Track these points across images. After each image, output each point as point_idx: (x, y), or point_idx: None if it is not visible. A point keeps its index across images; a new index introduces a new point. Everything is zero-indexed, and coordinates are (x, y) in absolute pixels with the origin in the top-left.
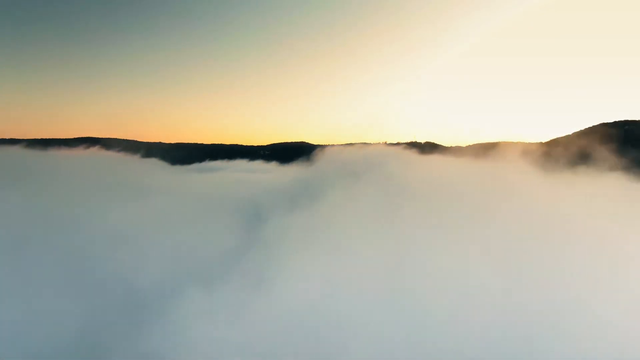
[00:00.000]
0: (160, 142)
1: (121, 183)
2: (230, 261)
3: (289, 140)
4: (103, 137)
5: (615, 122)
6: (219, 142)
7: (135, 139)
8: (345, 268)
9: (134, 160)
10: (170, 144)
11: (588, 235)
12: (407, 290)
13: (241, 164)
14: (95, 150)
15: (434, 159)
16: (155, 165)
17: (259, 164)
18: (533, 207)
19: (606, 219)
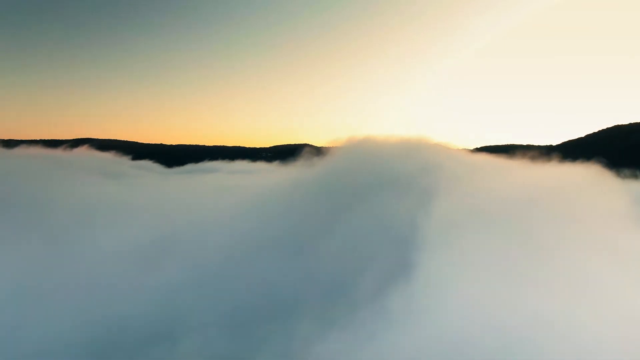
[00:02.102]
0: (161, 144)
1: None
2: None
3: (292, 142)
4: (99, 138)
5: (631, 124)
6: (221, 144)
7: (136, 141)
8: None
9: (119, 162)
10: (171, 146)
11: None
12: None
13: (241, 165)
14: (82, 151)
15: (489, 159)
16: (136, 167)
17: (259, 165)
18: None
19: None
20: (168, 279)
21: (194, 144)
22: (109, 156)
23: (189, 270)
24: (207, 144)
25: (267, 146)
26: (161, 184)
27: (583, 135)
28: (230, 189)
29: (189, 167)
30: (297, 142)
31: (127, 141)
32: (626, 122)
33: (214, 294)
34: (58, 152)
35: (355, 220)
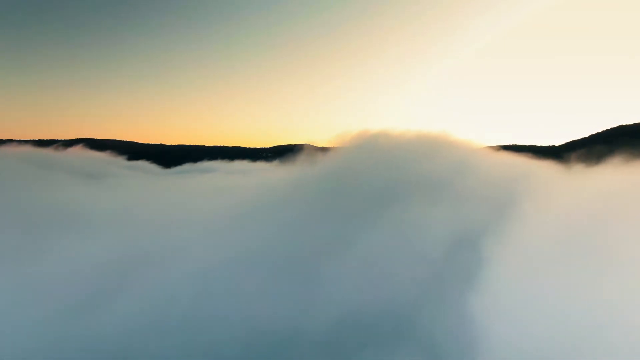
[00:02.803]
0: (160, 144)
1: None
2: None
3: (292, 143)
4: (97, 138)
5: (636, 124)
6: (221, 145)
7: (134, 141)
8: None
9: (112, 162)
10: (170, 146)
11: None
12: None
13: (240, 165)
14: (75, 150)
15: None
16: (131, 168)
17: (258, 165)
18: None
19: None
20: (129, 311)
21: (194, 144)
22: (102, 156)
23: (157, 298)
24: (206, 144)
25: (267, 146)
26: (150, 186)
27: (587, 136)
28: (227, 191)
29: (186, 167)
30: (297, 142)
31: (124, 141)
32: (630, 123)
33: (191, 327)
34: (48, 152)
35: (372, 233)
